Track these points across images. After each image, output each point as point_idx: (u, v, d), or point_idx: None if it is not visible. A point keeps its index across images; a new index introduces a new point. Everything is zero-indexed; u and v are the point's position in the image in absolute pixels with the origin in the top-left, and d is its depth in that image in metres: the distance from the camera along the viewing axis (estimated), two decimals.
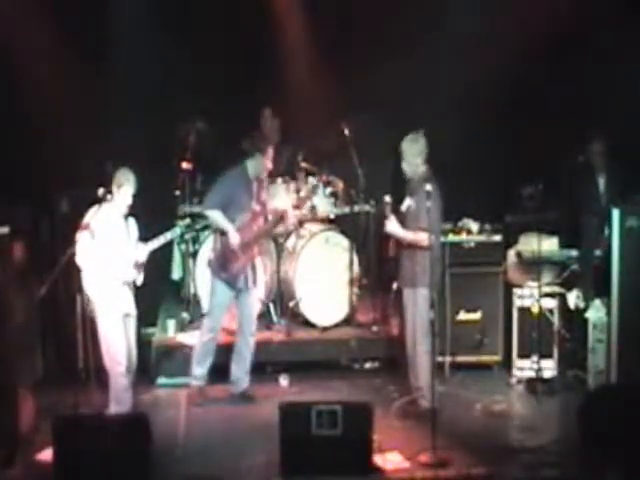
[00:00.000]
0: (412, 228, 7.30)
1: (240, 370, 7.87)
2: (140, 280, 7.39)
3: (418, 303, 7.32)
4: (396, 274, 7.62)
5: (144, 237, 7.42)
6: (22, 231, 7.47)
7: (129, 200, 7.24)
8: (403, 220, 7.38)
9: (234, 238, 7.69)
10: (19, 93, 8.98)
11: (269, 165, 7.88)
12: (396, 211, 7.45)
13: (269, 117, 9.72)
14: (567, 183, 8.17)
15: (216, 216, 7.72)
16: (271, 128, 9.72)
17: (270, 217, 8.03)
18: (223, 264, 7.78)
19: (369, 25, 9.62)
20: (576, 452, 5.90)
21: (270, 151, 7.82)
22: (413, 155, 7.37)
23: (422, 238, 7.19)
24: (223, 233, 7.76)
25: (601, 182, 8.55)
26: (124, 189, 7.18)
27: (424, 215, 7.06)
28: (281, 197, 9.00)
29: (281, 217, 8.17)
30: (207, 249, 8.42)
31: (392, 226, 7.38)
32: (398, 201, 7.52)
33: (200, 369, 7.86)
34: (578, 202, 8.45)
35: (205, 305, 8.56)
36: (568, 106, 9.16)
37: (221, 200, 7.69)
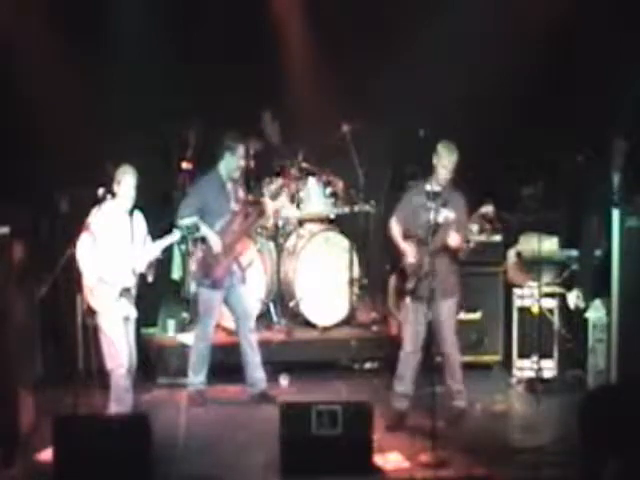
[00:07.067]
0: (444, 238, 7.12)
1: (254, 371, 7.85)
2: (151, 277, 7.35)
3: (452, 311, 7.32)
4: (417, 286, 7.23)
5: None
6: (22, 231, 7.45)
7: (132, 193, 7.17)
8: (437, 230, 7.13)
9: (216, 243, 7.66)
10: (19, 93, 8.98)
11: (241, 163, 7.84)
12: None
13: (269, 120, 9.70)
14: (569, 182, 8.16)
15: (194, 225, 7.63)
16: (272, 131, 9.70)
17: (251, 213, 7.96)
18: (207, 271, 7.74)
19: (369, 25, 9.61)
20: (576, 452, 5.91)
21: (241, 150, 7.75)
22: (449, 161, 7.23)
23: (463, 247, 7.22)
24: (203, 240, 7.73)
25: (616, 180, 8.49)
26: (125, 183, 7.15)
27: (463, 225, 7.09)
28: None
29: (260, 211, 8.18)
30: None
31: (455, 240, 7.17)
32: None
33: (197, 377, 7.86)
34: (584, 201, 8.42)
35: None
36: (568, 106, 9.16)
37: (196, 209, 7.61)
